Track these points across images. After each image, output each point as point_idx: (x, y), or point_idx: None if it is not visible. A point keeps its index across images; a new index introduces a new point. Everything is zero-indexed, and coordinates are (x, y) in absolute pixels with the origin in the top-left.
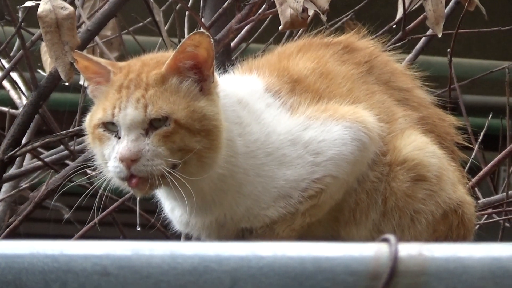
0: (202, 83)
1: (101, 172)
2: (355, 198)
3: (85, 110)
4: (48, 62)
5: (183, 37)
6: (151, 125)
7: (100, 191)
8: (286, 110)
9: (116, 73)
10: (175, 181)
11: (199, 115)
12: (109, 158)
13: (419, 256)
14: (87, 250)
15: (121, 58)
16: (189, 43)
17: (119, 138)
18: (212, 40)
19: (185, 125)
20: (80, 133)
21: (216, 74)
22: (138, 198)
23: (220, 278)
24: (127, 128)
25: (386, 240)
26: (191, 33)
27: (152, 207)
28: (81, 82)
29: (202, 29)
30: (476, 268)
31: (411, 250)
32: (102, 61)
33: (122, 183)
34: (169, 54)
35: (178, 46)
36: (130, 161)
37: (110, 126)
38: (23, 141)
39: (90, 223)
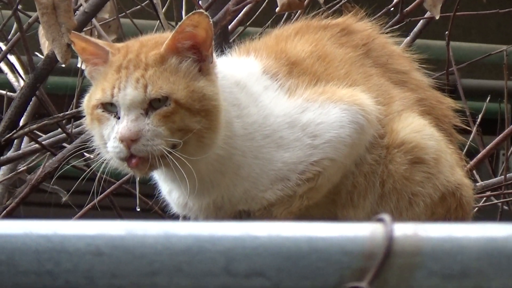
0: (201, 63)
1: (99, 154)
2: (353, 180)
3: (83, 93)
4: (46, 44)
5: (181, 19)
6: (150, 105)
7: (98, 174)
8: (283, 93)
9: (115, 53)
10: (175, 161)
11: (198, 95)
12: (108, 138)
13: (415, 236)
14: (81, 230)
15: (119, 40)
16: (188, 23)
17: (119, 118)
18: (211, 20)
19: (185, 105)
20: (77, 116)
21: (214, 55)
22: (137, 180)
23: (214, 258)
24: (127, 108)
25: (381, 220)
26: (190, 13)
27: (149, 191)
28: (78, 65)
29: None
30: (472, 248)
31: (406, 230)
32: (99, 42)
33: (122, 164)
34: (168, 35)
35: (177, 26)
36: (130, 141)
37: (109, 107)
38: (21, 124)
39: (88, 206)
